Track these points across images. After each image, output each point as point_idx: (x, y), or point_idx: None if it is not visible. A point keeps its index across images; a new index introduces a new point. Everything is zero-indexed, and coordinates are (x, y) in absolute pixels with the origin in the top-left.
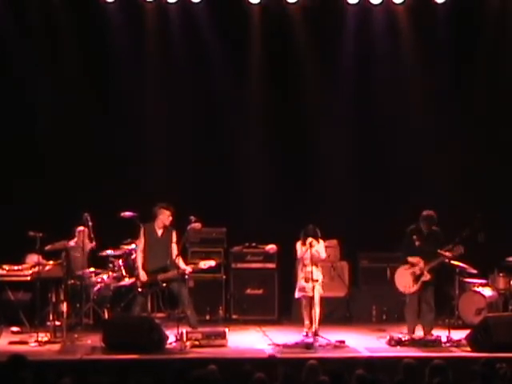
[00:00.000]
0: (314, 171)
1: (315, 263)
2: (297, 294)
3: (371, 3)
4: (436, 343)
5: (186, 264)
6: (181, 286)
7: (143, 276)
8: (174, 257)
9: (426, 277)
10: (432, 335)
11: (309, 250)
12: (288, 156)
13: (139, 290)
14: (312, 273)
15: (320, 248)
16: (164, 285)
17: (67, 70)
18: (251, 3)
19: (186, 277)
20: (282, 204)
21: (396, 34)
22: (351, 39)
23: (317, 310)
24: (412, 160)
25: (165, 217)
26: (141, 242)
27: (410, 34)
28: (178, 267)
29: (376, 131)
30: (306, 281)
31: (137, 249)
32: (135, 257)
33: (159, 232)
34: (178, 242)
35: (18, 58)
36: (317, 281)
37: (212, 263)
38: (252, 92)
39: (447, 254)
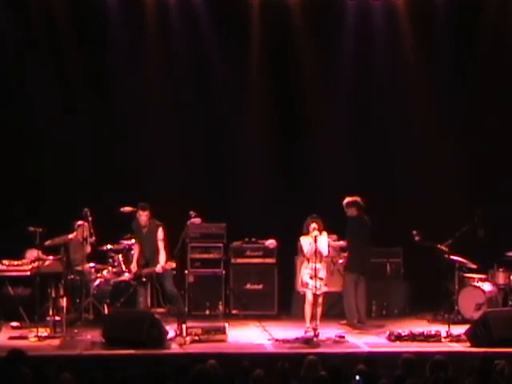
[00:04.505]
0: (314, 167)
1: (319, 259)
2: (299, 289)
3: None
4: (435, 338)
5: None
6: (163, 282)
7: (134, 267)
8: (157, 254)
9: None
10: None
11: (313, 246)
12: (288, 151)
13: (132, 281)
14: (317, 270)
15: (323, 243)
16: (144, 279)
17: (67, 68)
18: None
19: (186, 272)
20: (282, 199)
21: (396, 28)
22: (351, 33)
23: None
24: (412, 157)
25: (141, 217)
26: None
27: (409, 26)
28: (158, 263)
29: (376, 128)
30: (311, 278)
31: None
32: (135, 252)
33: (144, 230)
34: (164, 239)
35: (17, 57)
36: (322, 279)
37: (173, 265)
38: (252, 90)
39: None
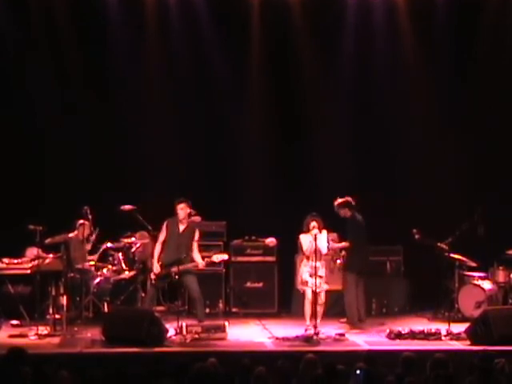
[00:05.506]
0: (314, 167)
1: (319, 257)
2: (299, 287)
3: None
4: (436, 336)
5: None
6: (191, 281)
7: (157, 268)
8: (192, 252)
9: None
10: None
11: (313, 244)
12: (288, 151)
13: (152, 281)
14: (317, 268)
15: (323, 241)
16: (176, 277)
17: (67, 68)
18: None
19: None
20: (282, 199)
21: (396, 27)
22: (351, 33)
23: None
24: (412, 157)
25: (178, 211)
26: (162, 234)
27: (409, 25)
28: (193, 261)
29: (376, 128)
30: (311, 276)
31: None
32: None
33: (181, 228)
34: (198, 241)
35: (17, 57)
36: (321, 277)
37: (225, 257)
38: (252, 90)
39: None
